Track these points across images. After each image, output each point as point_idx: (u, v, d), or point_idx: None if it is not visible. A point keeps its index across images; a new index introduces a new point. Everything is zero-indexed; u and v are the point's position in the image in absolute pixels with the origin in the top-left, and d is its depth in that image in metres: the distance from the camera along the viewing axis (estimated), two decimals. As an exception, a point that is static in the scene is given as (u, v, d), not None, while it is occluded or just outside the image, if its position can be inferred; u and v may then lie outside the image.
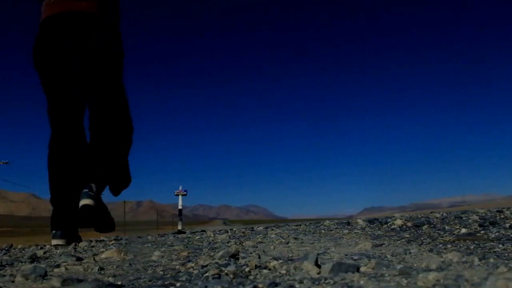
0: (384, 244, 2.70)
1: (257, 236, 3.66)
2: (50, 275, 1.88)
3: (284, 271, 1.75)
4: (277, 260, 1.99)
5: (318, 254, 2.16)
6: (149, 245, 3.29)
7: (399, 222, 3.88)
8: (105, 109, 2.66)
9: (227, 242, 3.27)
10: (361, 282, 1.38)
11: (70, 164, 2.73)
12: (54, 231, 3.02)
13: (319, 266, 1.73)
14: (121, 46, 2.77)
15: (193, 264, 2.14)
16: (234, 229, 4.75)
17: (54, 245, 2.99)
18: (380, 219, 4.45)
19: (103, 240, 3.99)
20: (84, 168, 2.75)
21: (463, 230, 3.12)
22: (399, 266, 1.64)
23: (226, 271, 1.79)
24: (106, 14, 2.66)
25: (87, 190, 2.80)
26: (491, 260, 1.87)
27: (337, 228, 4.02)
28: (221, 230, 4.65)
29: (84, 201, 2.80)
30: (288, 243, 3.04)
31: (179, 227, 13.82)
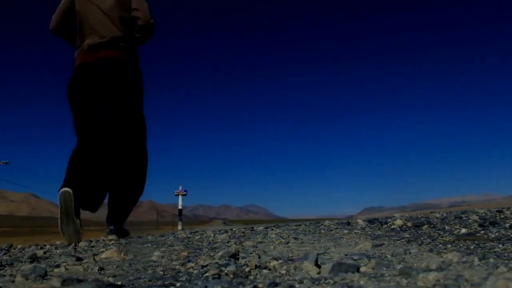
0: (384, 244, 2.70)
1: (257, 236, 3.66)
2: (50, 275, 1.88)
3: (284, 271, 1.75)
4: (277, 260, 1.99)
5: (318, 254, 2.16)
6: (149, 245, 3.29)
7: (399, 222, 3.88)
8: (126, 143, 3.14)
9: (227, 242, 3.27)
10: (361, 282, 1.38)
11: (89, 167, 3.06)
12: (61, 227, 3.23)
13: (319, 266, 1.73)
14: (142, 83, 3.30)
15: (193, 264, 2.14)
16: (234, 229, 4.75)
17: (60, 193, 3.06)
18: (380, 219, 4.45)
19: (103, 240, 4.00)
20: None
21: (463, 230, 3.12)
22: (399, 266, 1.64)
23: (226, 271, 1.79)
24: (129, 58, 3.20)
25: (112, 227, 3.42)
26: (491, 260, 1.87)
27: (337, 228, 4.02)
28: (221, 230, 4.65)
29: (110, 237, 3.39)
30: (288, 243, 3.04)
31: (179, 227, 13.83)
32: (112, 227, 3.49)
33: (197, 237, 3.81)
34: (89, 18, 3.07)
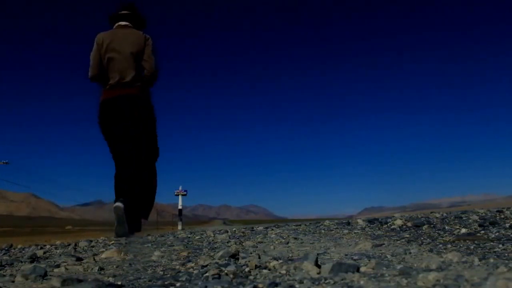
0: (384, 244, 2.70)
1: (257, 236, 3.66)
2: (50, 275, 1.88)
3: (284, 271, 1.75)
4: (277, 260, 2.00)
5: (318, 254, 2.16)
6: (149, 245, 3.30)
7: (399, 222, 3.88)
8: (145, 160, 4.05)
9: (227, 242, 3.27)
10: (361, 282, 1.39)
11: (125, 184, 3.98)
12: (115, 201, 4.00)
13: (319, 266, 1.74)
14: (154, 114, 4.12)
15: (193, 264, 2.14)
16: (234, 229, 4.76)
17: (115, 206, 3.87)
18: (380, 219, 4.45)
19: (103, 240, 4.00)
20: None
21: (463, 230, 3.12)
22: (399, 266, 1.64)
23: (226, 271, 1.79)
24: (144, 95, 3.97)
25: (121, 198, 3.93)
26: (491, 260, 1.88)
27: (337, 228, 4.02)
28: (221, 230, 4.65)
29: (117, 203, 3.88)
30: (288, 243, 3.05)
31: (179, 227, 13.84)
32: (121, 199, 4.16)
33: (197, 237, 3.81)
34: (113, 64, 3.88)
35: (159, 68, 3.93)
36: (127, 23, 3.95)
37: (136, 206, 4.00)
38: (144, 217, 4.26)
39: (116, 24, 3.97)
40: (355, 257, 2.08)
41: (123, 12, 3.95)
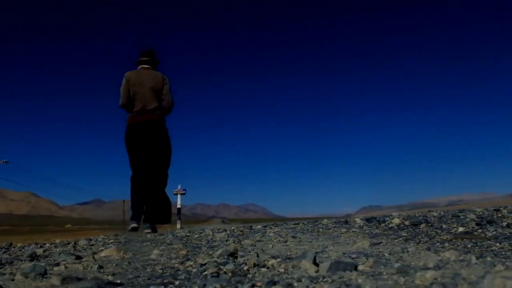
0: (382, 242, 2.72)
1: (256, 235, 3.67)
2: (49, 274, 1.89)
3: (282, 270, 1.76)
4: (275, 259, 2.01)
5: (316, 252, 2.18)
6: (148, 243, 3.31)
7: (396, 220, 3.89)
8: (160, 176, 4.99)
9: (226, 241, 3.29)
10: (359, 280, 1.40)
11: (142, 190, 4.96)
12: (131, 220, 4.88)
13: (317, 265, 1.75)
14: (169, 136, 5.11)
15: (192, 263, 2.15)
16: (232, 227, 4.77)
17: (131, 228, 4.84)
18: (378, 218, 4.47)
19: (102, 239, 4.01)
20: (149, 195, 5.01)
21: (461, 229, 3.14)
22: (396, 265, 1.65)
23: (224, 270, 1.80)
24: (162, 120, 4.98)
25: (148, 225, 4.93)
26: (488, 258, 1.89)
27: (335, 226, 4.03)
28: (219, 229, 4.66)
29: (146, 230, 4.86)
30: (286, 241, 3.06)
31: (178, 226, 13.84)
32: (148, 225, 4.96)
33: (196, 236, 3.82)
34: (138, 95, 4.92)
35: (174, 102, 5.12)
36: (148, 66, 5.17)
37: (154, 214, 4.99)
38: (166, 222, 5.23)
39: (140, 66, 5.19)
40: (353, 256, 2.09)
41: (145, 58, 5.20)
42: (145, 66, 5.11)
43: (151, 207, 4.97)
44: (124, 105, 4.96)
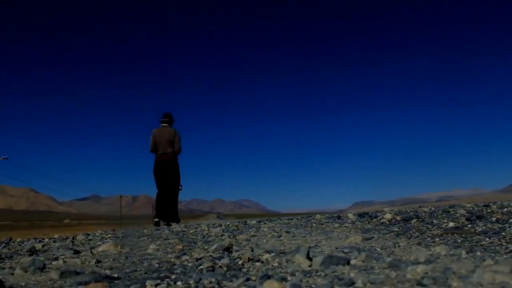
0: (374, 237, 2.76)
1: (250, 230, 3.71)
2: (48, 268, 1.92)
3: (276, 264, 1.80)
4: (269, 253, 2.04)
5: (309, 247, 2.22)
6: (145, 238, 3.33)
7: (388, 216, 3.94)
8: (172, 194, 7.35)
9: (221, 236, 3.32)
10: (352, 274, 1.44)
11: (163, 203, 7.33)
12: (155, 219, 7.28)
13: (310, 259, 1.79)
14: (179, 168, 7.43)
15: (187, 257, 2.18)
16: (227, 223, 4.80)
17: (155, 222, 7.27)
18: (370, 213, 4.51)
19: (100, 234, 4.04)
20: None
21: (451, 224, 3.18)
22: (388, 259, 1.69)
23: (220, 264, 1.84)
24: (175, 159, 7.26)
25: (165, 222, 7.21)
26: (478, 253, 1.93)
27: (328, 222, 4.07)
28: (215, 224, 4.69)
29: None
30: (280, 236, 3.09)
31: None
32: (165, 222, 7.10)
33: (191, 231, 3.85)
34: (159, 144, 7.24)
35: (182, 147, 7.35)
36: (166, 124, 7.40)
37: (169, 216, 7.28)
38: (175, 221, 7.28)
39: (162, 125, 7.39)
40: (346, 250, 2.13)
41: (165, 119, 7.46)
42: (164, 124, 7.48)
43: (166, 212, 7.30)
44: (152, 151, 7.37)
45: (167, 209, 7.34)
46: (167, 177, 7.33)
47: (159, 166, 7.38)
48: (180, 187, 7.46)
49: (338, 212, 5.68)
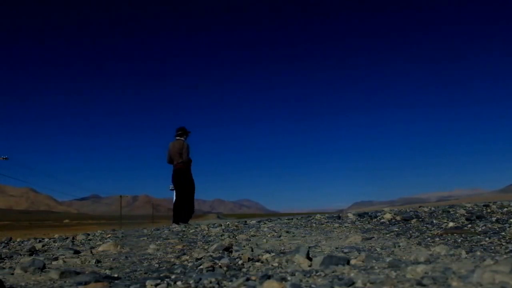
0: (373, 237, 2.76)
1: (250, 230, 3.71)
2: (48, 268, 1.92)
3: (276, 264, 1.80)
4: (269, 253, 2.05)
5: (309, 247, 2.22)
6: (145, 238, 3.34)
7: (388, 216, 3.94)
8: (188, 197, 8.21)
9: (221, 236, 3.32)
10: (351, 274, 1.44)
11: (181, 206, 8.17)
12: (173, 219, 7.98)
13: (310, 259, 1.79)
14: (192, 174, 8.27)
15: (187, 257, 2.19)
16: (227, 222, 4.80)
17: (173, 221, 7.89)
18: (369, 213, 4.52)
19: (100, 234, 4.04)
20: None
21: (451, 224, 3.19)
22: (388, 259, 1.70)
23: (219, 264, 1.84)
24: (186, 168, 8.18)
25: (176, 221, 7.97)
26: (478, 253, 1.94)
27: (328, 222, 4.07)
28: (215, 224, 4.69)
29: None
30: (280, 236, 3.10)
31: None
32: (181, 222, 7.73)
33: (191, 231, 3.86)
34: (173, 155, 8.06)
35: (188, 157, 8.16)
36: (179, 137, 8.21)
37: (185, 217, 8.07)
38: (183, 222, 8.00)
39: (176, 138, 8.20)
40: (346, 250, 2.13)
41: (178, 133, 8.26)
42: (178, 138, 8.39)
43: (182, 213, 8.17)
44: (168, 162, 8.40)
45: (181, 213, 8.29)
46: (182, 183, 8.37)
47: (174, 174, 8.40)
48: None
49: (338, 212, 5.69)
